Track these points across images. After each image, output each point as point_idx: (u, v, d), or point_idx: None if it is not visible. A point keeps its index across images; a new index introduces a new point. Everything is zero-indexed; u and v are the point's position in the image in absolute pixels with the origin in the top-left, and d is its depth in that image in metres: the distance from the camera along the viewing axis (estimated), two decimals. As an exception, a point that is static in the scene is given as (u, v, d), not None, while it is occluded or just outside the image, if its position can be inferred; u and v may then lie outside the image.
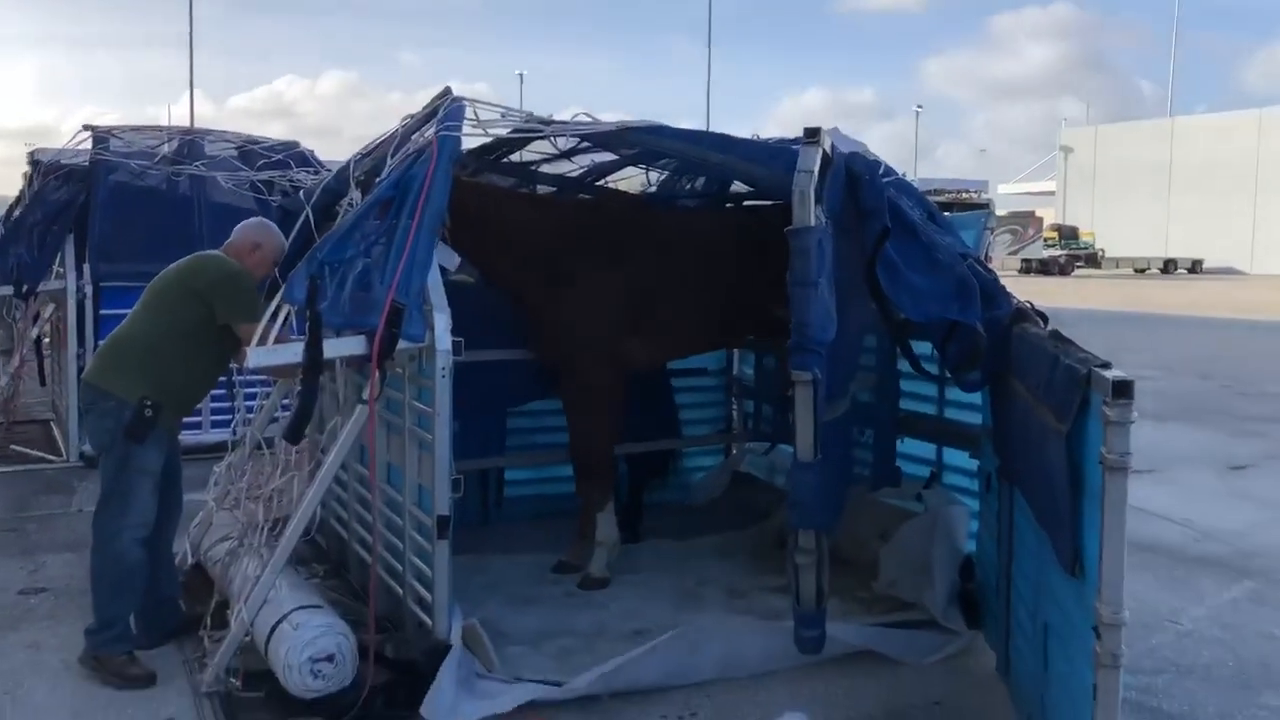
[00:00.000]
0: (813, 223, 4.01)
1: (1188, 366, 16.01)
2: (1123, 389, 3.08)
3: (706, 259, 5.92)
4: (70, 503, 7.64)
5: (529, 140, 5.61)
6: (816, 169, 4.05)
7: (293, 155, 9.88)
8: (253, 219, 5.49)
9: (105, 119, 10.00)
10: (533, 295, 5.71)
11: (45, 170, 9.37)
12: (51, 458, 9.01)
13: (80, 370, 8.75)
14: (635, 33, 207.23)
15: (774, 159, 4.56)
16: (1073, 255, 60.01)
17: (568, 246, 5.68)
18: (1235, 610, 5.83)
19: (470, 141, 5.25)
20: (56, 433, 9.74)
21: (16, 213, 9.65)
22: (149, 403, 4.61)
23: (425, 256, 4.34)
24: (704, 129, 5.23)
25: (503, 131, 5.38)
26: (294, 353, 4.19)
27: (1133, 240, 63.50)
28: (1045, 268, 56.84)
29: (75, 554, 6.41)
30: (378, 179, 5.00)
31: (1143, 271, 60.27)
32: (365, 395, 4.34)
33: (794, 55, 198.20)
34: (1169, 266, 60.59)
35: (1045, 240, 60.87)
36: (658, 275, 5.82)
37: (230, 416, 9.48)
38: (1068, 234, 62.06)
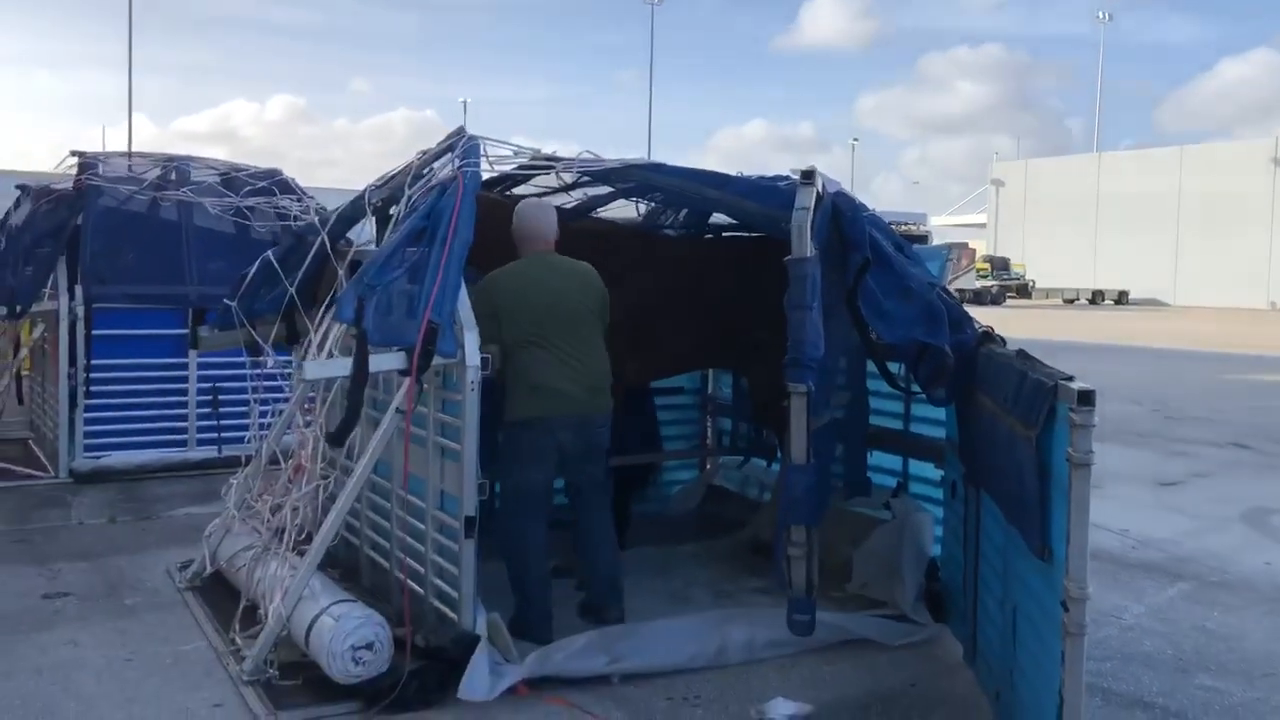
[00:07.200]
0: (809, 254, 4.53)
1: (1120, 392, 16.79)
2: (1086, 397, 3.61)
3: (698, 283, 6.40)
4: (69, 516, 7.84)
5: (533, 175, 6.09)
6: (812, 205, 4.57)
7: (276, 182, 10.23)
8: (527, 208, 5.68)
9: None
10: None
11: (35, 195, 9.65)
12: (38, 474, 9.19)
13: (73, 391, 9.02)
14: (577, 64, 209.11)
15: (768, 195, 5.06)
16: (1004, 286, 61.64)
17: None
18: (1172, 607, 6.42)
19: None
20: (38, 451, 9.94)
21: (2, 239, 9.91)
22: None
23: (455, 280, 4.79)
24: (699, 168, 5.71)
25: (510, 167, 5.87)
26: (343, 366, 4.61)
27: (1062, 271, 65.44)
28: (978, 298, 58.16)
29: (88, 562, 6.73)
30: (394, 208, 5.50)
31: (1072, 302, 62.06)
32: (400, 406, 4.77)
33: (734, 89, 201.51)
34: (1097, 297, 62.45)
35: (977, 271, 62.36)
36: (656, 297, 6.29)
37: (214, 435, 9.83)
38: (999, 265, 63.79)
